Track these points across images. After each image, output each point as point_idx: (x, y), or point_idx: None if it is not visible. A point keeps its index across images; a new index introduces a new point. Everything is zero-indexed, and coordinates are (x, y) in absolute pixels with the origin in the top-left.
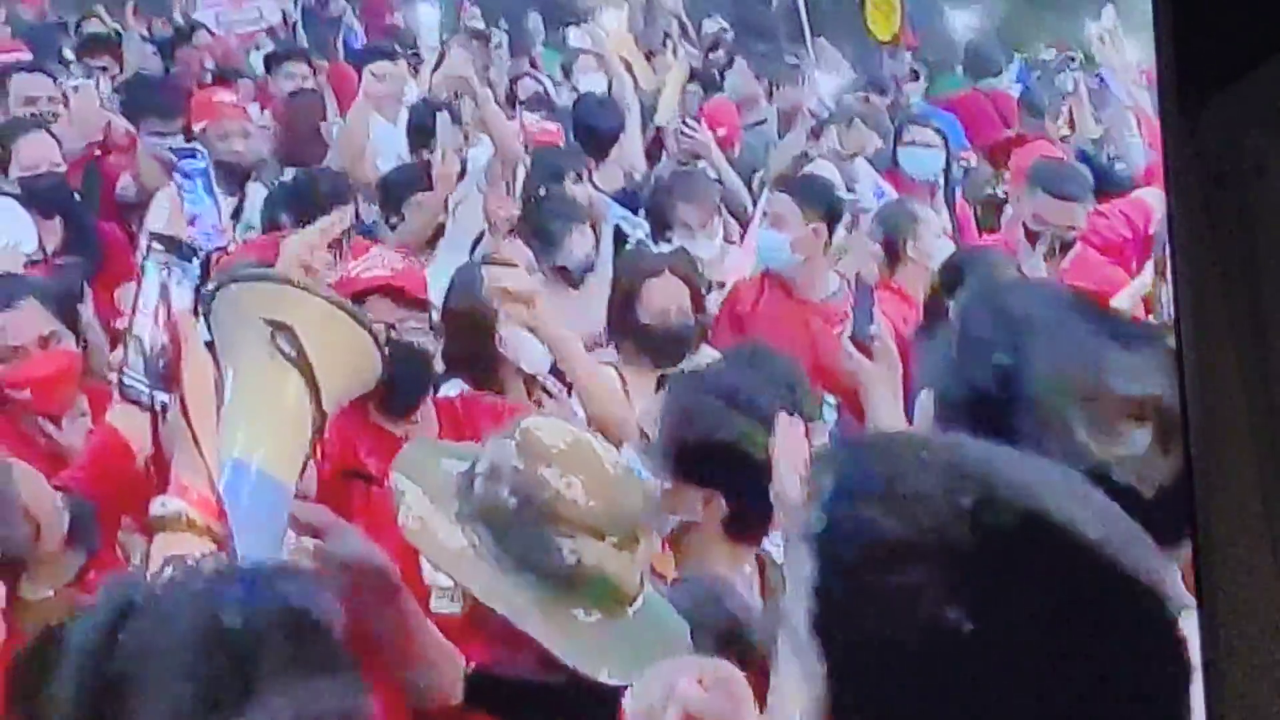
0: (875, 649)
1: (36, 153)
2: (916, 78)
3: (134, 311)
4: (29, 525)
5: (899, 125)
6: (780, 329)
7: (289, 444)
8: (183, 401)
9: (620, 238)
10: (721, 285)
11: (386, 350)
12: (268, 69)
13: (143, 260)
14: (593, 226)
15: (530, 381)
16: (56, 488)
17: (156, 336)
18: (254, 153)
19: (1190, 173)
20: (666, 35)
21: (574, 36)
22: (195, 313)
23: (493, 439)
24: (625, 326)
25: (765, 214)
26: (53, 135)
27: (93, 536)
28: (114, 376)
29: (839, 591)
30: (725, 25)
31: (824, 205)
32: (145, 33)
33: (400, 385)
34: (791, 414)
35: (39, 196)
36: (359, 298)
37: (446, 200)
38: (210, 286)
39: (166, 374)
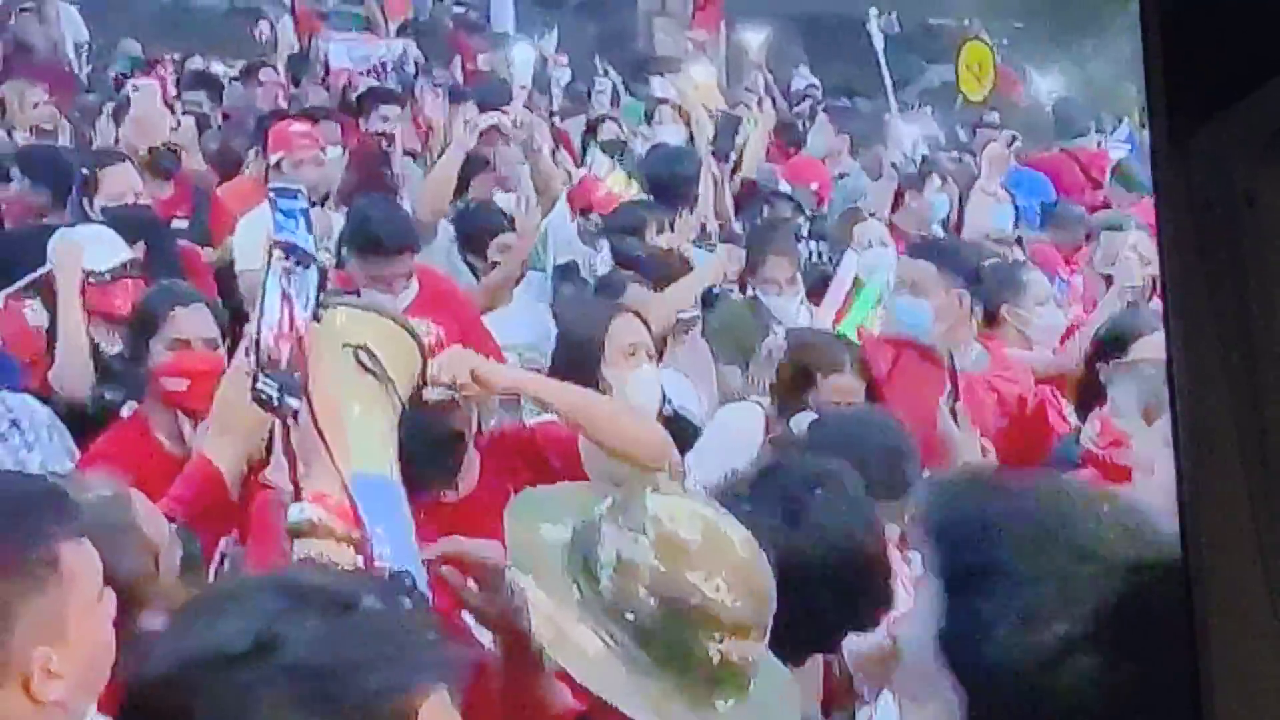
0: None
1: (121, 183)
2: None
3: (259, 319)
4: (149, 555)
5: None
6: (916, 397)
7: (393, 453)
8: (312, 409)
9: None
10: None
11: None
12: (360, 107)
13: (264, 273)
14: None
15: None
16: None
17: (283, 343)
18: (326, 183)
19: (1180, 201)
20: (749, 89)
21: (658, 86)
22: (316, 319)
23: (610, 523)
24: (797, 404)
25: (901, 280)
26: (134, 164)
27: (199, 567)
28: (246, 379)
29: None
30: (814, 81)
31: (966, 271)
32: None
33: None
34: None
35: (122, 224)
36: None
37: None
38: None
39: (295, 381)
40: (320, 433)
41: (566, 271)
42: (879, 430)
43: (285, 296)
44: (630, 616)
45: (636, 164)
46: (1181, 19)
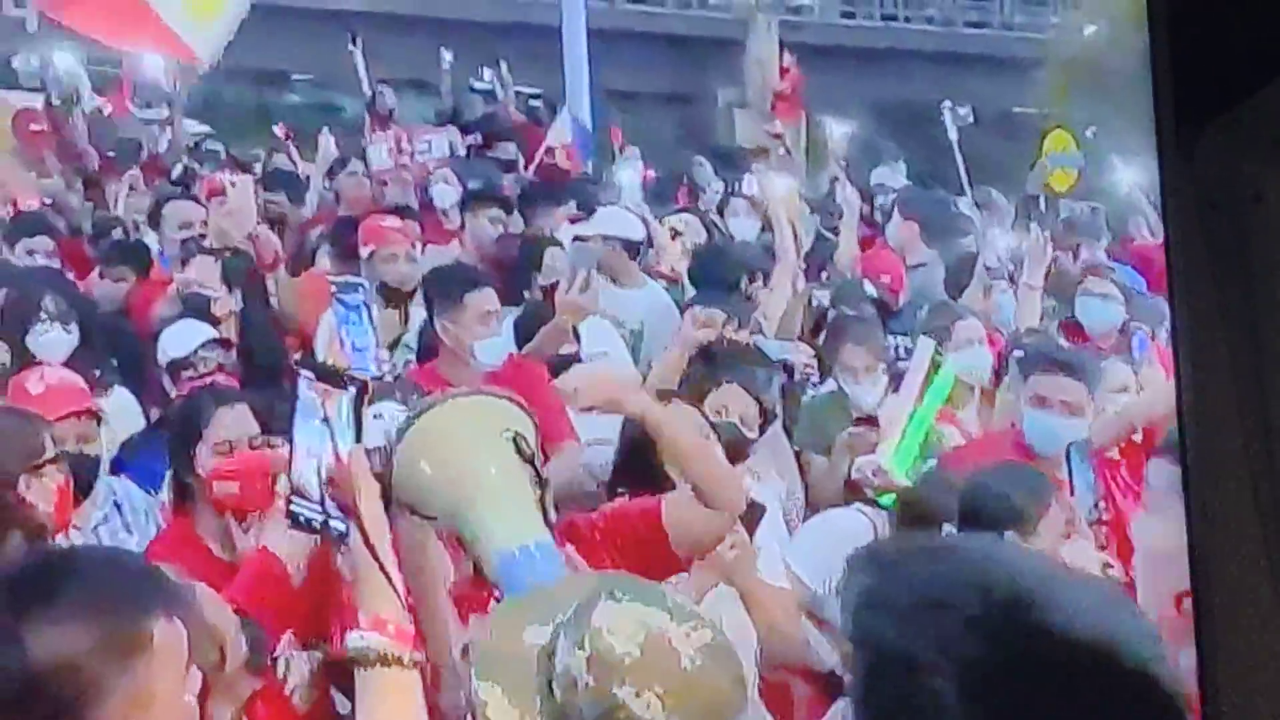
0: None
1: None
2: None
3: (293, 439)
4: (215, 647)
5: (1079, 275)
6: None
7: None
8: (364, 531)
9: (789, 373)
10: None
11: None
12: (465, 207)
13: (300, 389)
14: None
15: None
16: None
17: (324, 463)
18: (415, 277)
19: (1187, 200)
20: (834, 180)
21: (744, 181)
22: (358, 439)
23: (565, 632)
24: None
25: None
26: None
27: (263, 659)
28: (281, 504)
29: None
30: (896, 174)
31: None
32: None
33: None
34: None
35: (199, 313)
36: None
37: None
38: (414, 411)
39: (341, 502)
40: (374, 552)
41: None
42: None
43: (325, 417)
44: None
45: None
46: (1188, 22)
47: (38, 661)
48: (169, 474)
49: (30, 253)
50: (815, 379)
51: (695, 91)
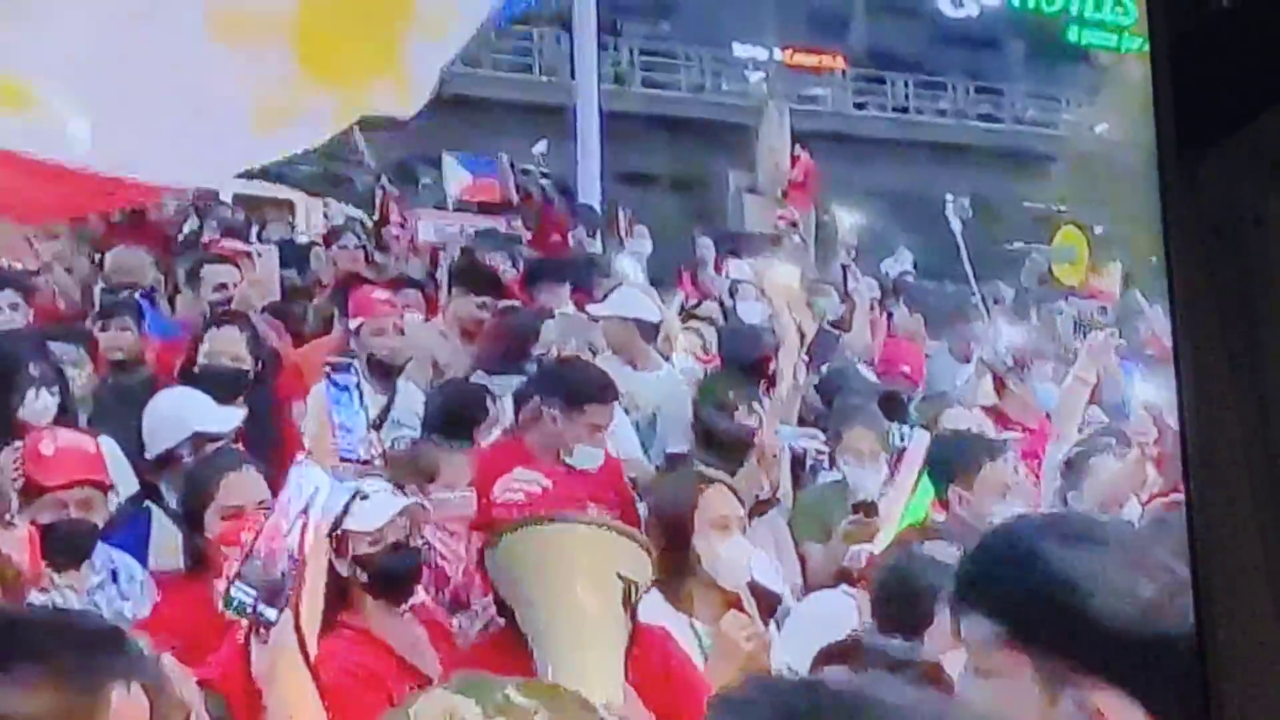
0: None
1: (226, 348)
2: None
3: (269, 519)
4: (181, 715)
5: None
6: None
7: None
8: (298, 629)
9: (799, 461)
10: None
11: None
12: (453, 280)
13: (294, 473)
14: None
15: (723, 597)
16: (198, 683)
17: (284, 551)
18: (405, 351)
19: (1189, 224)
20: (845, 268)
21: (733, 268)
22: (331, 539)
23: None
24: None
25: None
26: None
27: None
28: (221, 584)
29: None
30: (908, 267)
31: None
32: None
33: None
34: None
35: (221, 384)
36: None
37: None
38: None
39: (281, 595)
40: (304, 649)
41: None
42: None
43: (307, 506)
44: None
45: (719, 340)
46: (1189, 48)
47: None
48: (181, 538)
49: None
50: (825, 466)
51: (705, 175)
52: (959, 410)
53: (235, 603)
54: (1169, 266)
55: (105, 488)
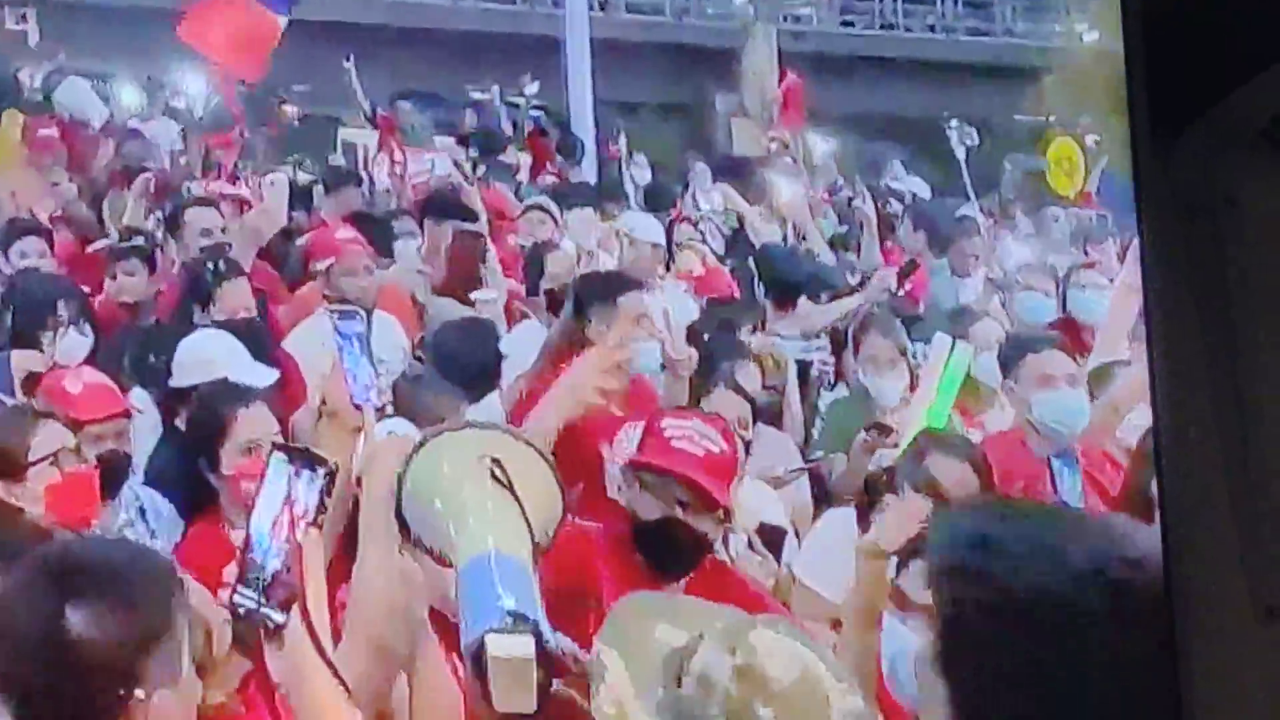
0: None
1: (236, 301)
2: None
3: (252, 515)
4: (202, 633)
5: (1067, 271)
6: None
7: (519, 541)
8: (310, 627)
9: (805, 370)
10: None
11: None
12: (427, 214)
13: (268, 460)
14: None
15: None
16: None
17: (276, 551)
18: (374, 291)
19: (1164, 203)
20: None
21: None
22: (317, 525)
23: (713, 639)
24: None
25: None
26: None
27: (253, 644)
28: (224, 594)
29: None
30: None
31: None
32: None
33: (678, 555)
34: None
35: (252, 339)
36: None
37: None
38: (419, 439)
39: (283, 594)
40: (319, 648)
41: None
42: None
43: (289, 496)
44: None
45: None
46: (1163, 24)
47: (79, 645)
48: (186, 474)
49: (23, 255)
50: (830, 380)
51: (693, 101)
52: (989, 323)
53: (241, 610)
54: (1142, 246)
55: (128, 414)
